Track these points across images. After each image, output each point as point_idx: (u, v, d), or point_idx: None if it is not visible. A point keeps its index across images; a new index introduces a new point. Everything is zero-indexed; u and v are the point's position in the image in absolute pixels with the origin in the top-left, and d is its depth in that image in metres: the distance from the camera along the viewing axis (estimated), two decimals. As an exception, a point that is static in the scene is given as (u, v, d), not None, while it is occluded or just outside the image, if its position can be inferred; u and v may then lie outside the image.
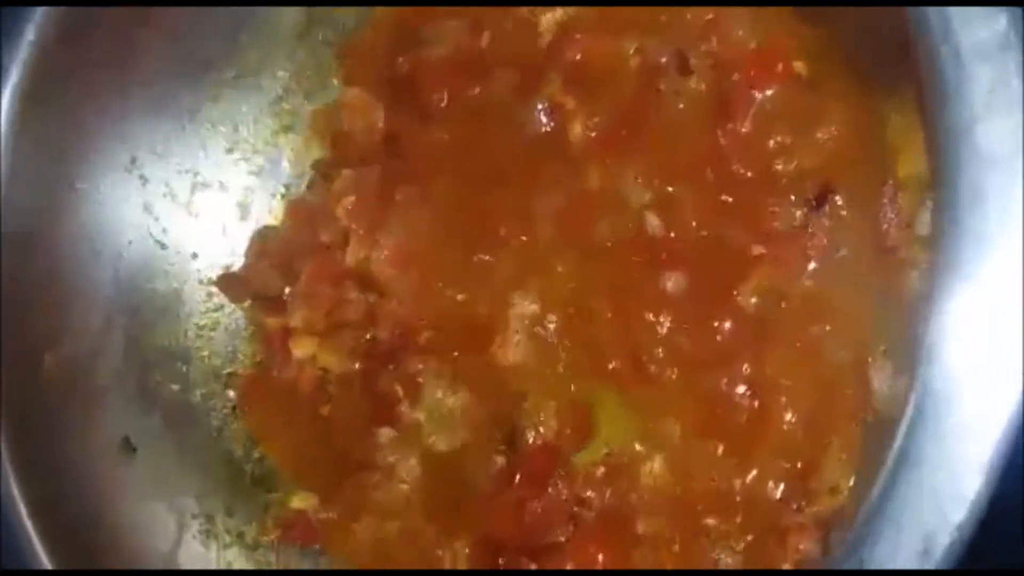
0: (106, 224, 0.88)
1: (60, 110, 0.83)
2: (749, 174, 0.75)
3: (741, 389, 0.71)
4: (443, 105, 0.88)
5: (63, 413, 0.83)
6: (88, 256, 0.87)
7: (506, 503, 0.77)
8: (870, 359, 0.66)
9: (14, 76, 0.80)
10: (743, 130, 0.75)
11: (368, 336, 0.86)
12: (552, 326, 0.80)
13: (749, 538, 0.70)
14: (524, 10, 0.85)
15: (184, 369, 0.92)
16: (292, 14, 0.93)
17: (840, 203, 0.71)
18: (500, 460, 0.80)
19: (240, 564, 0.86)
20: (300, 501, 0.88)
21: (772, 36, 0.74)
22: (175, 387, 0.91)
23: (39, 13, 0.79)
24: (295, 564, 0.87)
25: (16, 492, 0.76)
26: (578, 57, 0.80)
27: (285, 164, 0.96)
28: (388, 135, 0.90)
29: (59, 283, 0.85)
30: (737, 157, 0.75)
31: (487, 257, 0.83)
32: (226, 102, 0.94)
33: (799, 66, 0.74)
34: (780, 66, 0.74)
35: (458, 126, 0.87)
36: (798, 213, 0.73)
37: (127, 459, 0.85)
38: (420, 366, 0.82)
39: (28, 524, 0.76)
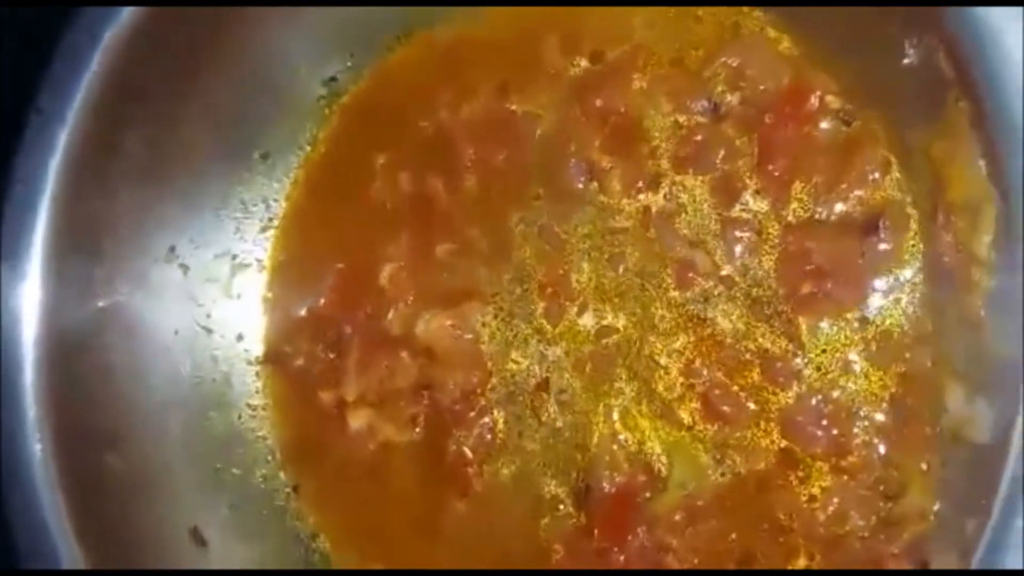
0: (152, 316, 0.88)
1: (96, 206, 0.83)
2: (792, 216, 0.77)
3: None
4: (470, 164, 0.88)
5: (132, 508, 0.82)
6: (138, 351, 0.87)
7: (587, 554, 0.78)
8: (942, 378, 0.67)
9: (51, 183, 0.79)
10: (781, 171, 0.76)
11: (426, 402, 0.86)
12: (609, 372, 0.81)
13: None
14: (550, 66, 0.85)
15: (242, 452, 0.92)
16: (314, 88, 0.94)
17: (890, 230, 0.72)
18: (573, 518, 0.80)
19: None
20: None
21: (802, 73, 0.76)
22: (236, 471, 0.91)
23: (76, 104, 0.78)
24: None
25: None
26: (613, 115, 0.81)
27: (321, 238, 0.96)
28: (416, 196, 0.90)
29: (113, 380, 0.85)
30: (778, 199, 0.76)
31: (535, 306, 0.84)
32: (258, 182, 0.95)
33: (832, 101, 0.75)
34: (813, 102, 0.75)
35: (490, 183, 0.88)
36: (845, 244, 0.74)
37: (199, 549, 0.85)
38: (487, 422, 0.82)
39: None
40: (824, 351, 0.75)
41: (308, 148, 0.96)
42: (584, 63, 0.86)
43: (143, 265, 0.88)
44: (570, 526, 0.80)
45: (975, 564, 0.57)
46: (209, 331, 0.93)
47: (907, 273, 0.73)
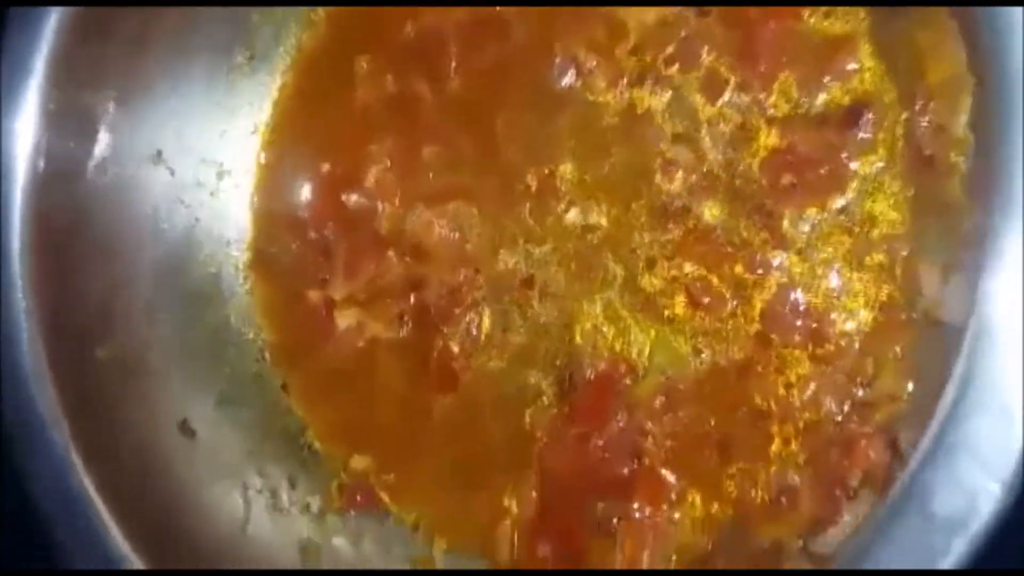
0: (140, 217, 0.89)
1: (84, 102, 0.83)
2: (775, 110, 0.77)
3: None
4: (455, 65, 0.89)
5: (122, 402, 0.84)
6: (127, 250, 0.88)
7: (568, 440, 0.80)
8: (919, 263, 0.69)
9: (38, 72, 0.80)
10: (765, 66, 0.77)
11: (413, 300, 0.87)
12: (593, 267, 0.83)
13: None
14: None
15: (231, 350, 0.93)
16: (300, -10, 0.94)
17: (871, 122, 0.73)
18: (555, 408, 0.82)
19: (309, 534, 0.88)
20: (359, 461, 0.89)
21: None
22: (225, 369, 0.92)
23: (55, 12, 0.79)
24: (364, 529, 0.89)
25: (87, 482, 0.77)
26: (598, 13, 0.82)
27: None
28: (401, 99, 0.91)
29: (102, 278, 0.86)
30: (761, 93, 0.77)
31: (521, 206, 0.85)
32: (243, 86, 0.95)
33: (816, -6, 0.76)
34: (797, -4, 0.76)
35: (475, 84, 0.88)
36: (827, 136, 0.75)
37: (188, 441, 0.86)
38: (473, 318, 0.83)
39: (102, 512, 0.77)
40: (805, 242, 0.76)
41: (294, 52, 0.96)
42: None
43: (132, 165, 0.88)
44: (553, 415, 0.82)
45: (931, 434, 0.58)
46: (196, 234, 0.93)
47: (886, 163, 0.73)
